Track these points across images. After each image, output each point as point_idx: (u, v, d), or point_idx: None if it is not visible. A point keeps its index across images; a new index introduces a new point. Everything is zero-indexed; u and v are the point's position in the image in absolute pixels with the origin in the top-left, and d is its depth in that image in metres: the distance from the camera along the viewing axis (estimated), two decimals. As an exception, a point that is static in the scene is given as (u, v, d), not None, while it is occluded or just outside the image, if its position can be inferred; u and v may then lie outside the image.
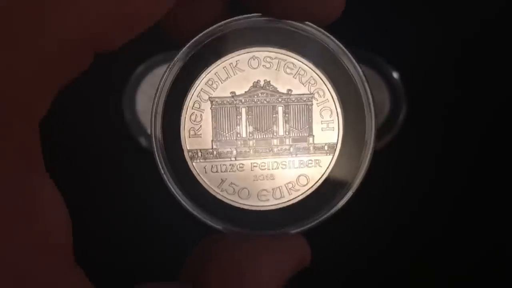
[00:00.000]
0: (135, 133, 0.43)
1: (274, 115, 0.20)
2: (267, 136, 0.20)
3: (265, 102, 0.20)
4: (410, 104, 0.41)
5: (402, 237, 0.40)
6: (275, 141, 0.20)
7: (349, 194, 0.20)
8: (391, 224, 0.40)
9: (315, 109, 0.20)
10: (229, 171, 0.20)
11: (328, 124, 0.20)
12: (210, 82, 0.20)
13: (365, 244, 0.40)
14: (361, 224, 0.38)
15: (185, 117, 0.20)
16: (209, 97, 0.20)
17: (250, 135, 0.20)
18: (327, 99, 0.20)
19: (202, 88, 0.20)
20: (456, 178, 0.41)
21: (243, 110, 0.20)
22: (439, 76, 0.41)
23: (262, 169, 0.20)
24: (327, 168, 0.20)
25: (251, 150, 0.20)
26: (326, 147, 0.20)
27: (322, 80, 0.20)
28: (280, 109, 0.20)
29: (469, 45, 0.41)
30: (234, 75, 0.20)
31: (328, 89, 0.20)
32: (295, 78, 0.20)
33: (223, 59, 0.20)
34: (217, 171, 0.20)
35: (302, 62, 0.20)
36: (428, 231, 0.40)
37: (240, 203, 0.20)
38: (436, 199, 0.41)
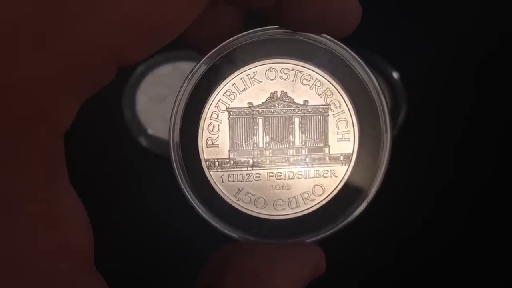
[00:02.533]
0: (135, 133, 0.43)
1: (291, 126, 0.21)
2: (283, 146, 0.21)
3: (282, 112, 0.20)
4: (410, 104, 0.42)
5: (402, 237, 0.41)
6: (291, 151, 0.21)
7: (365, 204, 0.20)
8: (390, 224, 0.41)
9: (331, 120, 0.21)
10: (246, 181, 0.20)
11: (344, 135, 0.21)
12: (227, 93, 0.20)
13: (376, 250, 0.40)
14: (367, 226, 0.38)
15: (202, 127, 0.20)
16: (226, 108, 0.20)
17: (267, 145, 0.21)
18: (343, 110, 0.21)
19: (220, 99, 0.20)
20: (456, 177, 0.41)
21: (260, 121, 0.20)
22: (439, 76, 0.42)
23: (278, 179, 0.21)
24: (343, 178, 0.21)
25: (268, 160, 0.21)
26: (341, 158, 0.21)
27: (338, 92, 0.21)
28: (296, 120, 0.21)
29: (469, 45, 0.41)
30: (252, 86, 0.20)
31: (344, 100, 0.21)
32: (312, 89, 0.21)
33: (240, 70, 0.20)
34: (233, 181, 0.20)
35: (319, 74, 0.21)
36: (428, 231, 0.41)
37: (256, 212, 0.21)
38: (436, 199, 0.41)
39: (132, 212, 0.42)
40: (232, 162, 0.20)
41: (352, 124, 0.21)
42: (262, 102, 0.20)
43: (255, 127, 0.21)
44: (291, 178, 0.21)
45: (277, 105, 0.20)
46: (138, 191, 0.42)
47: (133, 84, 0.43)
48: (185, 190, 0.20)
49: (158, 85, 0.43)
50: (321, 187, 0.21)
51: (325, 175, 0.21)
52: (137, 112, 0.43)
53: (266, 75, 0.20)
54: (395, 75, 0.42)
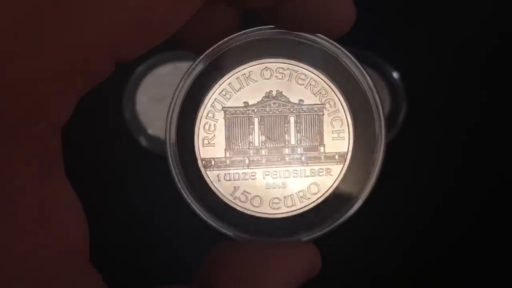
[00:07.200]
0: (135, 133, 0.43)
1: (286, 125, 0.21)
2: (279, 145, 0.21)
3: (277, 112, 0.21)
4: (410, 104, 0.41)
5: (402, 237, 0.41)
6: (286, 150, 0.21)
7: (360, 202, 0.21)
8: (391, 224, 0.41)
9: (326, 119, 0.21)
10: (242, 179, 0.21)
11: (339, 134, 0.21)
12: (223, 92, 0.21)
13: (372, 249, 0.40)
14: (362, 224, 0.38)
15: (199, 127, 0.21)
16: (222, 107, 0.21)
17: (263, 144, 0.21)
18: (338, 109, 0.21)
19: (215, 98, 0.21)
20: (456, 177, 0.41)
21: (256, 120, 0.21)
22: (439, 76, 0.41)
23: (274, 178, 0.21)
24: (338, 176, 0.21)
25: (263, 159, 0.21)
26: (337, 156, 0.21)
27: (333, 91, 0.21)
28: (292, 119, 0.21)
29: (469, 45, 0.41)
30: (247, 85, 0.21)
31: (339, 100, 0.21)
32: (307, 88, 0.21)
33: (236, 69, 0.21)
34: (230, 179, 0.21)
35: (314, 73, 0.21)
36: (428, 232, 0.41)
37: (252, 211, 0.21)
38: (436, 199, 0.41)
39: (131, 212, 0.42)
40: (228, 161, 0.21)
41: (347, 123, 0.21)
42: (258, 102, 0.21)
43: (251, 126, 0.21)
44: (286, 177, 0.21)
45: (272, 105, 0.21)
46: (138, 191, 0.43)
47: (133, 84, 0.43)
48: (181, 189, 0.20)
49: (158, 85, 0.43)
50: (317, 185, 0.21)
51: (321, 173, 0.21)
52: (137, 112, 0.43)
53: (262, 74, 0.21)
54: (395, 75, 0.42)
